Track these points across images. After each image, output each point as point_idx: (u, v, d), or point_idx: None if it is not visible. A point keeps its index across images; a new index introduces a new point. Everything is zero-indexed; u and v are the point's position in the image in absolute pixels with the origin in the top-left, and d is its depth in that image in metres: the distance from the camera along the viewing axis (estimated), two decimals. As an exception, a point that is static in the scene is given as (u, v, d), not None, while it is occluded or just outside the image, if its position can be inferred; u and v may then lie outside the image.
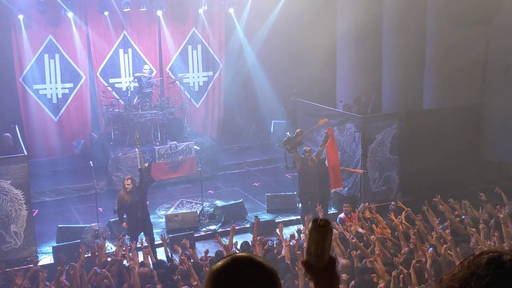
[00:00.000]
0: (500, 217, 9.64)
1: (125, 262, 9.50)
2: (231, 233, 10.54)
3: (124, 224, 10.89)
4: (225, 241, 10.47)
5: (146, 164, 10.94)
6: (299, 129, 12.72)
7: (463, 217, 10.66)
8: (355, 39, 15.89)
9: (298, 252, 9.18)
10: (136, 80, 15.91)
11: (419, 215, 10.82)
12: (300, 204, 12.62)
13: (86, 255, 9.69)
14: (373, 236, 9.69)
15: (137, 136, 11.60)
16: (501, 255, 1.72)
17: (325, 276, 2.12)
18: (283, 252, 9.53)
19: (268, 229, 11.71)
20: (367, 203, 11.77)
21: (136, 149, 12.04)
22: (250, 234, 11.69)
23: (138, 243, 10.44)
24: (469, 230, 9.50)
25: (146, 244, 10.46)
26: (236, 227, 11.79)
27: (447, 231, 9.49)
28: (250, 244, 9.95)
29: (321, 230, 2.06)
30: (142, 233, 10.94)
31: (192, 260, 9.60)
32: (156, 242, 10.84)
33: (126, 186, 10.64)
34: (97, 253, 9.60)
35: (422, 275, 8.10)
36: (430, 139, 13.11)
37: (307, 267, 2.11)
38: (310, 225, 2.06)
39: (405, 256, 8.99)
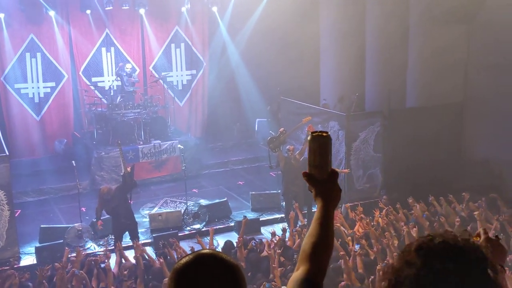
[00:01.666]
0: (475, 214, 9.80)
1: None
2: (210, 235, 10.55)
3: (99, 222, 10.92)
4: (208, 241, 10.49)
5: (129, 169, 10.89)
6: (282, 128, 12.74)
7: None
8: (338, 38, 15.91)
9: (278, 251, 9.20)
10: (118, 78, 15.82)
11: (400, 212, 10.94)
12: (284, 203, 12.63)
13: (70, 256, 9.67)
14: (349, 237, 9.79)
15: (119, 142, 11.64)
16: (432, 239, 1.75)
17: (326, 188, 2.14)
18: (265, 252, 9.54)
19: (253, 227, 11.70)
20: (348, 204, 11.84)
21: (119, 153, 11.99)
22: (235, 233, 11.72)
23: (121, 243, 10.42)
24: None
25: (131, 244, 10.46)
26: (221, 226, 11.81)
27: (414, 229, 9.61)
28: (235, 244, 9.95)
29: (318, 138, 2.10)
30: (128, 232, 10.95)
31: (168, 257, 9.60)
32: (141, 242, 10.81)
33: (104, 196, 10.64)
34: (76, 258, 9.54)
35: None
36: (413, 137, 13.18)
37: (308, 179, 2.14)
38: (308, 137, 2.10)
39: (376, 255, 9.08)
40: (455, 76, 14.10)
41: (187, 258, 1.76)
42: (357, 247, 9.36)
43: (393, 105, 14.00)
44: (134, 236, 10.88)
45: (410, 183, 12.53)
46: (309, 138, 2.13)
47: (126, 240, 11.22)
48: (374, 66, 15.09)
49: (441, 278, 1.69)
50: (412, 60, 14.46)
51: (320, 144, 2.11)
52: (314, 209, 12.37)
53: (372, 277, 8.20)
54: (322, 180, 2.16)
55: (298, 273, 2.05)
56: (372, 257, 8.99)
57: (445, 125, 13.66)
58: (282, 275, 8.66)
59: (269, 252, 9.27)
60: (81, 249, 10.46)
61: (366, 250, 9.40)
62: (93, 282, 8.91)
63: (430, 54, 13.85)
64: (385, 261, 8.51)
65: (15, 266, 10.35)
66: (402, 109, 14.34)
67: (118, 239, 10.70)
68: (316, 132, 2.13)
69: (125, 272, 8.65)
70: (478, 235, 2.23)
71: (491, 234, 2.25)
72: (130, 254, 9.95)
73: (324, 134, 2.11)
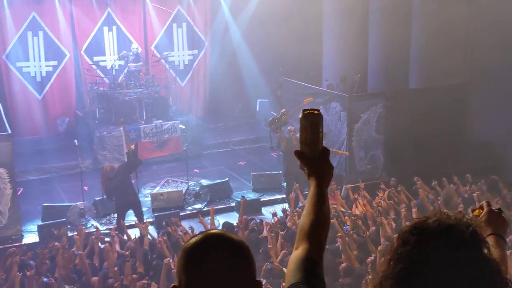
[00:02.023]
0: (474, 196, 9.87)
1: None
2: (211, 214, 10.59)
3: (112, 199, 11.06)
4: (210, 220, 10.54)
5: (133, 146, 10.93)
6: (284, 109, 12.72)
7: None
8: (341, 18, 15.83)
9: (282, 232, 9.24)
10: (122, 59, 15.78)
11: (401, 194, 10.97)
12: (285, 183, 12.66)
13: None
14: (346, 217, 9.83)
15: (122, 120, 11.70)
16: (427, 219, 1.82)
17: (318, 165, 2.17)
18: (264, 232, 9.57)
19: (254, 208, 11.75)
20: (349, 185, 11.85)
21: (122, 131, 12.02)
22: (235, 213, 11.76)
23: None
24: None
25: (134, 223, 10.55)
26: (222, 206, 11.87)
27: (414, 209, 9.65)
28: (235, 225, 10.00)
29: (309, 116, 2.12)
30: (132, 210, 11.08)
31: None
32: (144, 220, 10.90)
33: (107, 174, 10.69)
34: (77, 236, 9.58)
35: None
36: (416, 118, 13.14)
37: (300, 157, 2.17)
38: (299, 115, 2.11)
39: (370, 236, 9.13)
40: (458, 57, 14.04)
41: (196, 238, 1.77)
42: (346, 228, 9.38)
43: (396, 86, 13.97)
44: (139, 214, 11.00)
45: (412, 164, 12.54)
46: (300, 115, 2.14)
47: (128, 219, 11.30)
48: (377, 47, 15.02)
49: (433, 254, 1.74)
50: (415, 40, 14.39)
51: (312, 122, 2.13)
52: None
53: (371, 257, 8.26)
54: (314, 158, 2.16)
55: (297, 252, 2.07)
56: (367, 237, 8.99)
57: (448, 106, 13.61)
58: (285, 257, 8.71)
59: (270, 233, 9.32)
60: (83, 227, 10.52)
61: (363, 231, 9.45)
62: (94, 261, 8.97)
63: (433, 34, 13.76)
64: (385, 243, 8.55)
65: (17, 244, 10.41)
66: (404, 90, 14.30)
67: (121, 217, 10.76)
68: (307, 110, 2.14)
69: (127, 253, 8.69)
70: (481, 207, 2.27)
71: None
72: (132, 233, 10.02)
73: (315, 112, 2.13)
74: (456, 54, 13.89)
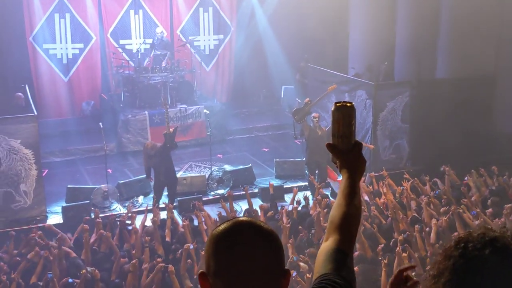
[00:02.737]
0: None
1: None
2: (230, 200, 10.56)
3: (150, 179, 11.50)
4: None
5: (172, 130, 11.06)
6: (308, 99, 12.63)
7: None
8: (369, 5, 15.66)
9: (288, 225, 9.12)
10: (148, 42, 15.83)
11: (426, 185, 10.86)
12: (307, 172, 12.61)
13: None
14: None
15: (165, 101, 12.00)
16: (471, 233, 1.84)
17: (350, 159, 2.15)
18: (284, 219, 9.55)
19: (277, 195, 11.72)
20: (372, 173, 11.76)
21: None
22: (258, 199, 11.76)
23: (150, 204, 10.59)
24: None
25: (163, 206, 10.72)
26: (244, 192, 11.81)
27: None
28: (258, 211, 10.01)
29: (341, 109, 2.11)
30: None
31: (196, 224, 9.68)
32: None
33: (148, 151, 11.02)
34: (99, 220, 9.66)
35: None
36: (442, 108, 12.98)
37: (332, 150, 2.15)
38: (332, 107, 2.10)
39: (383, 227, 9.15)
40: (487, 48, 13.83)
41: (225, 224, 1.78)
42: None
43: (423, 75, 13.79)
44: (171, 195, 11.30)
45: (438, 155, 12.40)
46: (332, 108, 2.13)
47: (151, 203, 11.36)
48: (405, 35, 14.84)
49: (476, 265, 1.73)
50: (444, 30, 14.17)
51: (344, 114, 2.11)
52: (339, 178, 12.50)
53: (382, 245, 8.28)
54: (346, 151, 2.14)
55: (327, 243, 2.06)
56: (375, 229, 8.95)
57: (475, 97, 13.41)
58: (297, 245, 8.66)
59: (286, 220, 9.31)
60: (107, 210, 10.64)
61: (379, 221, 9.40)
62: (114, 241, 9.04)
63: (462, 24, 13.56)
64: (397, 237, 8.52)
65: (42, 225, 10.54)
66: (431, 80, 14.13)
67: (157, 196, 11.07)
68: (339, 102, 2.12)
69: (147, 238, 8.72)
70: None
71: None
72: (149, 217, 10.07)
73: (348, 105, 2.11)
74: (484, 45, 13.68)
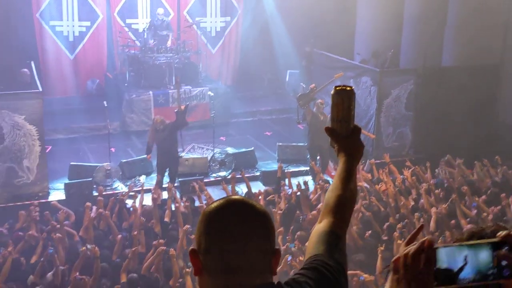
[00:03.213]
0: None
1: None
2: (232, 183, 10.66)
3: (148, 156, 11.57)
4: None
5: (183, 107, 11.11)
6: (313, 85, 12.61)
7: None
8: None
9: (279, 212, 9.16)
10: (149, 25, 15.77)
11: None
12: (309, 157, 12.64)
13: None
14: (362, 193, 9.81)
15: (178, 80, 12.18)
16: (484, 229, 1.77)
17: (349, 143, 2.16)
18: (282, 204, 9.60)
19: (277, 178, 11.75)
20: (373, 160, 11.77)
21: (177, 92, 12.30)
22: (259, 183, 11.80)
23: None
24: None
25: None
26: (246, 175, 11.86)
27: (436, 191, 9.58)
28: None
29: (341, 92, 2.11)
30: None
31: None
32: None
33: (156, 126, 11.07)
34: (100, 198, 9.72)
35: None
36: (446, 96, 12.96)
37: (331, 134, 2.15)
38: (331, 91, 2.10)
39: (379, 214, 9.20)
40: (493, 37, 13.75)
41: (217, 202, 1.78)
42: None
43: (429, 63, 13.74)
44: (172, 174, 11.34)
45: (441, 143, 12.40)
46: (332, 92, 2.12)
47: (153, 182, 11.44)
48: (412, 22, 14.77)
49: None
50: (451, 18, 14.10)
51: (343, 98, 2.10)
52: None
53: (370, 231, 8.38)
54: (345, 135, 2.15)
55: (321, 225, 2.07)
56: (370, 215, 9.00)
57: (480, 85, 13.37)
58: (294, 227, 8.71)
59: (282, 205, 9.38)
60: (109, 188, 10.69)
61: (378, 208, 9.45)
62: (113, 219, 9.12)
63: (469, 13, 13.49)
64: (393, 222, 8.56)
65: (43, 201, 10.61)
66: (437, 68, 14.08)
67: (160, 174, 11.16)
68: (339, 86, 2.12)
69: (142, 220, 8.77)
70: None
71: None
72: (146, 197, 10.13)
73: (348, 88, 2.10)
74: (491, 34, 13.61)
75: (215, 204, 1.77)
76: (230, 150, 13.39)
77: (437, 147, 12.38)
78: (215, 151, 12.90)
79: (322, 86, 12.50)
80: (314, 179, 11.60)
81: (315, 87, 12.39)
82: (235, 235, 1.70)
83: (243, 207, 1.75)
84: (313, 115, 11.93)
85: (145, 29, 15.86)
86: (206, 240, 1.73)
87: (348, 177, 2.13)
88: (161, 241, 8.04)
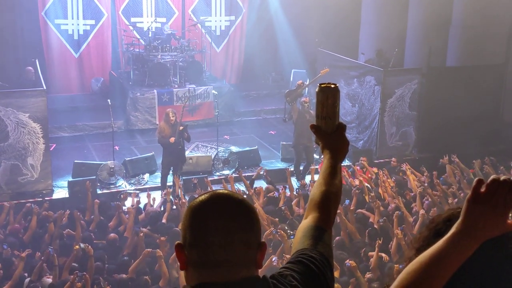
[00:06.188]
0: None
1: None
2: (231, 183, 10.67)
3: (172, 139, 11.12)
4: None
5: (181, 128, 10.99)
6: (300, 81, 12.58)
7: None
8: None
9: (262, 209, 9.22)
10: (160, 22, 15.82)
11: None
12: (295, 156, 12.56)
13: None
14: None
15: (183, 108, 11.78)
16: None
17: (333, 140, 2.18)
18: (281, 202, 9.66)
19: (282, 177, 11.76)
20: (365, 158, 11.77)
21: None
22: (263, 181, 11.79)
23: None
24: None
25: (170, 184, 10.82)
26: (250, 174, 11.89)
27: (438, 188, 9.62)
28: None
29: (326, 90, 2.12)
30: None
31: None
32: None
33: (171, 118, 10.88)
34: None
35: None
36: (450, 96, 12.94)
37: (316, 131, 2.16)
38: (316, 89, 2.11)
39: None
40: (498, 37, 13.73)
41: (203, 196, 1.78)
42: (346, 202, 9.47)
43: (433, 63, 13.72)
44: (177, 171, 11.23)
45: (445, 143, 12.39)
46: (317, 89, 2.13)
47: (156, 181, 11.47)
48: (416, 22, 14.74)
49: None
50: (456, 18, 14.07)
51: (328, 95, 2.11)
52: (344, 163, 12.51)
53: (370, 228, 8.45)
54: (330, 132, 2.16)
55: (307, 220, 2.07)
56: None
57: (484, 86, 13.36)
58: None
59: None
60: (112, 186, 10.71)
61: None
62: (114, 221, 9.15)
63: (474, 13, 13.46)
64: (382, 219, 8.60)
65: (48, 198, 10.64)
66: (441, 68, 14.06)
67: (165, 171, 11.10)
68: (324, 83, 2.12)
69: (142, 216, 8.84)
70: None
71: None
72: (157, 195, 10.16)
73: (332, 86, 2.11)
74: (495, 34, 13.58)
75: (199, 199, 1.77)
76: (234, 148, 13.40)
77: (441, 146, 12.36)
78: (219, 150, 12.91)
79: (309, 82, 12.50)
80: (298, 179, 11.68)
81: (302, 83, 12.37)
82: (219, 228, 1.70)
83: (227, 201, 1.75)
84: (299, 114, 11.78)
85: (150, 28, 15.88)
86: (190, 234, 1.73)
87: (333, 173, 2.14)
88: (162, 238, 8.03)
